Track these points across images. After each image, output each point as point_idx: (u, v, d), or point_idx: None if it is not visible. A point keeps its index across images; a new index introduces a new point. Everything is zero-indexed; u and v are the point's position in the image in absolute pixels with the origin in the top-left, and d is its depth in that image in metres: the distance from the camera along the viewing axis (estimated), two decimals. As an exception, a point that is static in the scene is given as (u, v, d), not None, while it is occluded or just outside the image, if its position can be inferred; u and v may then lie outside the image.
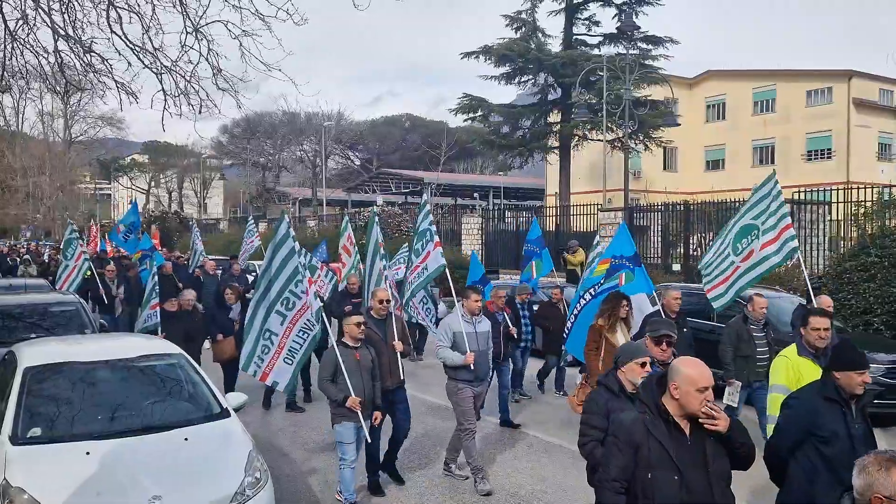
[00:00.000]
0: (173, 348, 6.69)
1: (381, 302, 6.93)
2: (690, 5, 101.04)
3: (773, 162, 39.82)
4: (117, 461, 4.88)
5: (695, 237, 19.55)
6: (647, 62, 28.66)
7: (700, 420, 3.34)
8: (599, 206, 22.55)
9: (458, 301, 7.37)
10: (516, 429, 8.97)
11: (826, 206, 15.95)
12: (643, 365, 4.40)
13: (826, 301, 8.07)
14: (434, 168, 50.44)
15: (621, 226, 9.15)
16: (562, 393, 10.89)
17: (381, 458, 6.92)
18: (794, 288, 13.10)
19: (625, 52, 26.13)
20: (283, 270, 6.73)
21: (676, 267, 19.09)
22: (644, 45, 29.94)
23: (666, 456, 3.34)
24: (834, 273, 13.01)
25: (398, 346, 6.92)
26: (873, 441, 4.03)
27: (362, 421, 6.20)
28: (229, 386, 9.58)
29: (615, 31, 30.00)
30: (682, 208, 19.95)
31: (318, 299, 7.00)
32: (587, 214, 22.70)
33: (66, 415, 5.44)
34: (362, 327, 6.37)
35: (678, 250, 19.85)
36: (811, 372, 4.87)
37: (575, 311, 8.68)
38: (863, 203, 14.65)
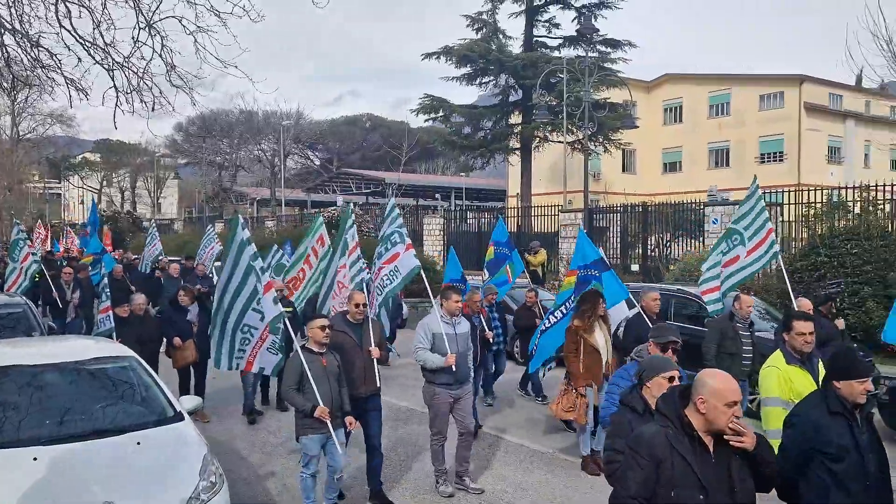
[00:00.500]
0: (125, 351, 6.50)
1: (357, 305, 6.64)
2: (648, 9, 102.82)
3: (727, 165, 40.76)
4: (66, 467, 4.71)
5: (653, 238, 19.86)
6: (605, 65, 28.99)
7: (726, 436, 3.17)
8: (560, 208, 22.75)
9: (436, 302, 7.16)
10: (478, 429, 8.92)
11: (778, 208, 16.33)
12: (671, 380, 4.02)
13: (806, 304, 8.05)
14: (395, 168, 50.32)
15: (579, 232, 9.00)
16: (524, 392, 10.90)
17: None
18: (749, 287, 13.36)
19: (584, 54, 26.40)
20: (250, 273, 6.55)
21: (635, 267, 19.36)
22: (603, 48, 30.29)
23: (690, 473, 3.12)
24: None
25: (375, 352, 6.64)
26: (881, 448, 3.91)
27: (331, 431, 5.92)
28: (199, 390, 9.40)
29: (575, 34, 30.28)
30: (641, 210, 20.33)
31: (280, 303, 6.67)
32: (548, 215, 22.91)
33: (12, 419, 5.22)
34: (327, 331, 6.13)
35: (637, 251, 20.12)
36: (801, 380, 4.79)
37: (544, 327, 8.50)
38: (813, 205, 15.05)
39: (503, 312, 10.99)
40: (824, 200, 15.11)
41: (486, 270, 12.22)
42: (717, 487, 3.13)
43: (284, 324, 6.59)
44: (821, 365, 5.02)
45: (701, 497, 3.11)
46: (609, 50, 30.31)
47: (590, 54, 26.84)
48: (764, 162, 39.19)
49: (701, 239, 18.02)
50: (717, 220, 17.48)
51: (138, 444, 5.10)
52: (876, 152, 37.86)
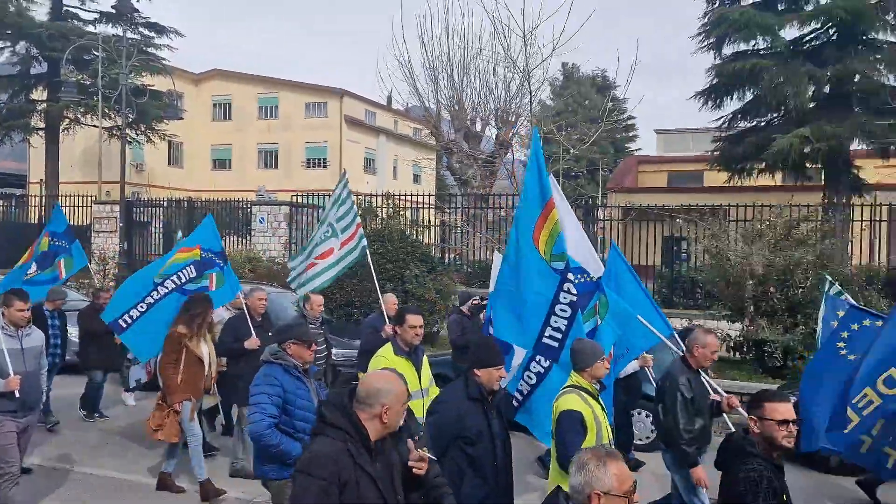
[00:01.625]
0: None
1: None
2: (199, 2, 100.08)
3: (276, 167, 42.11)
4: None
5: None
6: (149, 50, 27.09)
7: (411, 463, 3.16)
8: (94, 199, 20.51)
9: None
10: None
11: (320, 210, 17.28)
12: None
13: (392, 300, 8.33)
14: None
15: (208, 217, 8.19)
16: (98, 416, 9.35)
17: None
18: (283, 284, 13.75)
19: (123, 34, 24.20)
20: None
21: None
22: (146, 32, 28.20)
23: (374, 489, 2.92)
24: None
25: None
26: (507, 434, 4.26)
27: None
28: None
29: (112, 11, 27.51)
30: (187, 206, 19.74)
31: None
32: (80, 206, 20.45)
33: None
34: None
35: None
36: (405, 371, 4.84)
37: (148, 302, 7.37)
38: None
39: (63, 319, 9.24)
40: (362, 206, 16.49)
41: (34, 264, 10.03)
42: (391, 495, 3.04)
43: None
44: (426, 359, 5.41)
45: None
46: (153, 35, 28.31)
47: (130, 35, 24.77)
48: (310, 167, 41.53)
49: (248, 237, 18.15)
50: (263, 219, 17.80)
51: None
52: (402, 166, 43.33)
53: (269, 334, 7.24)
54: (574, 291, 5.35)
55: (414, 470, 3.18)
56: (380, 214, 15.71)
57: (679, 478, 5.37)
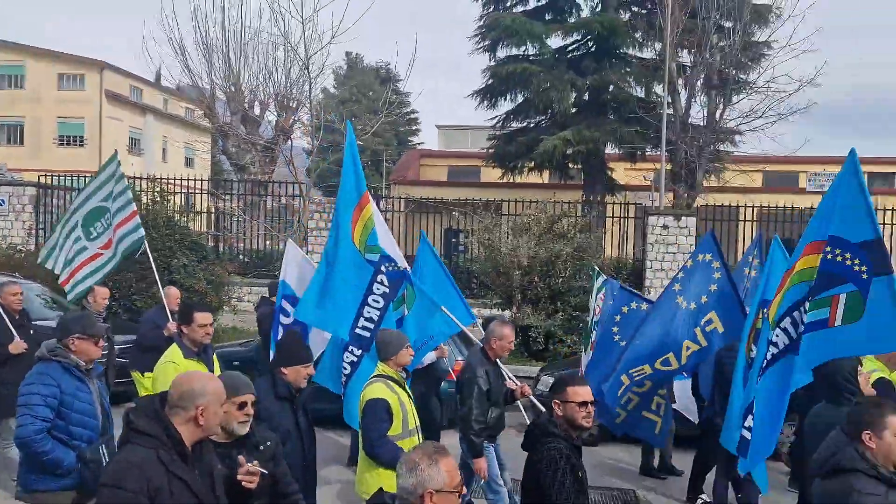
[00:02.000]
0: None
1: None
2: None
3: (22, 143, 37.59)
4: None
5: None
6: None
7: (240, 477, 3.09)
8: None
9: None
10: None
11: (74, 193, 15.58)
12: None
13: (175, 293, 7.86)
14: None
15: None
16: None
17: None
18: (36, 275, 12.21)
19: None
20: None
21: None
22: None
23: (190, 496, 2.75)
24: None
25: None
26: (313, 433, 4.29)
27: None
28: None
29: None
30: None
31: None
32: None
33: None
34: None
35: None
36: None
37: None
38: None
39: None
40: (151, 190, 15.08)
41: None
42: (211, 502, 2.89)
43: None
44: (215, 357, 5.22)
45: None
46: None
47: None
48: (63, 144, 37.49)
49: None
50: (3, 200, 16.01)
51: None
52: (173, 148, 40.44)
53: (32, 332, 6.59)
54: (387, 283, 5.58)
55: (244, 483, 3.12)
56: (144, 199, 14.45)
57: (475, 464, 5.54)
